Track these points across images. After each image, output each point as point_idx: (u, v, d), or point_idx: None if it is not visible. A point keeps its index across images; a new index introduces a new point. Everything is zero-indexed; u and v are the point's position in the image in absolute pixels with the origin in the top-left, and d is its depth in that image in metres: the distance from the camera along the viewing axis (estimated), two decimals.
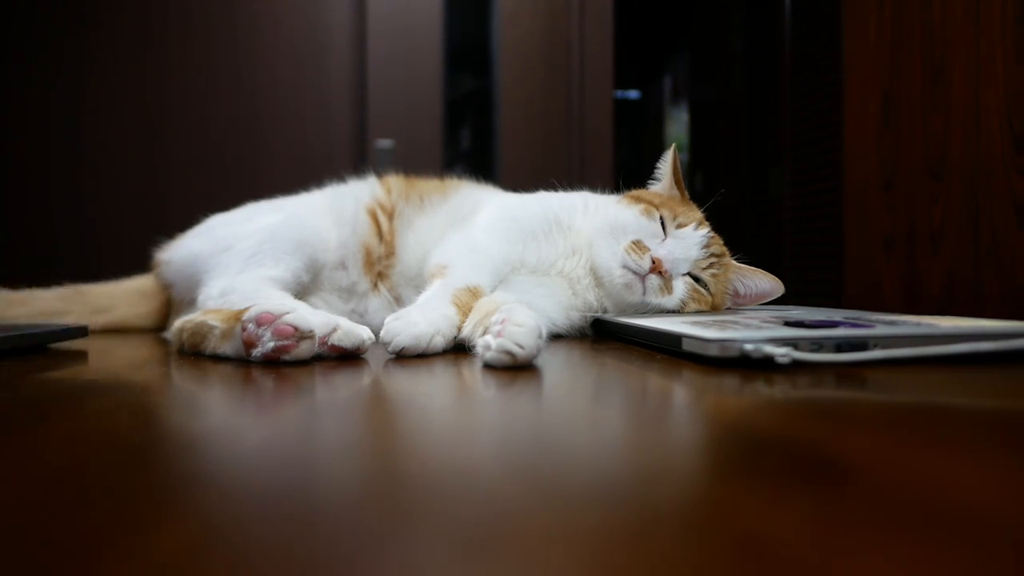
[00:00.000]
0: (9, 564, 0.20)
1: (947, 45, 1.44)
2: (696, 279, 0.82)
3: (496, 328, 0.58)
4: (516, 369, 0.56)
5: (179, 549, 0.21)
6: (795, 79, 2.08)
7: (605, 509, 0.24)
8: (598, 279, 0.84)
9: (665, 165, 0.93)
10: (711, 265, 0.83)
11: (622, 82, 3.01)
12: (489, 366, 0.57)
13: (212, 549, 0.21)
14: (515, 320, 0.58)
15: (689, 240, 0.82)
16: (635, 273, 0.79)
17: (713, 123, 2.70)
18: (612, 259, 0.81)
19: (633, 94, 3.49)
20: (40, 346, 0.75)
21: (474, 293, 0.74)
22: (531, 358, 0.57)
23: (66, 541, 0.21)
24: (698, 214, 0.87)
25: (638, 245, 0.80)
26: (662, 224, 0.82)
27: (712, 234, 0.85)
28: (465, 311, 0.71)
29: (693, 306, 0.81)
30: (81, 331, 0.80)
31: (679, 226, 0.83)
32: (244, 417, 0.44)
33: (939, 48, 1.46)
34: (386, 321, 0.66)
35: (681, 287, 0.80)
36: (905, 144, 1.56)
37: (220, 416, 0.44)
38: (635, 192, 0.92)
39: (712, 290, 0.83)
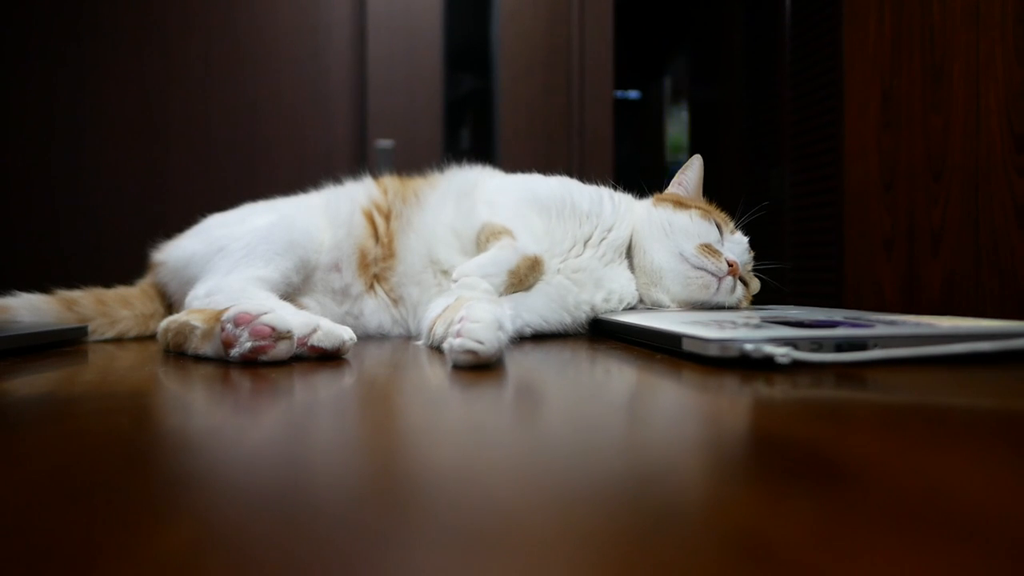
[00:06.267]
0: (7, 564, 0.20)
1: (947, 45, 1.44)
2: (742, 280, 0.87)
3: (455, 328, 0.56)
4: (483, 368, 0.55)
5: (178, 549, 0.21)
6: (795, 79, 2.08)
7: (605, 509, 0.24)
8: (656, 277, 0.86)
9: (692, 172, 0.97)
10: (753, 268, 0.90)
11: (622, 82, 3.01)
12: (459, 367, 0.56)
13: (211, 549, 0.21)
14: (472, 316, 0.57)
15: (743, 245, 0.89)
16: (712, 275, 0.83)
17: (713, 123, 2.70)
18: (675, 260, 0.84)
19: (633, 94, 3.49)
20: (40, 346, 0.75)
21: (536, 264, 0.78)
22: (494, 352, 0.55)
23: (64, 541, 0.21)
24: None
25: (709, 248, 0.84)
26: (718, 229, 0.87)
27: None
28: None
29: (744, 304, 0.87)
30: (81, 331, 0.80)
31: (732, 231, 0.89)
32: (242, 417, 0.44)
33: (939, 48, 1.46)
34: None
35: (740, 288, 0.86)
36: (905, 144, 1.56)
37: (218, 416, 0.44)
38: (670, 195, 0.95)
39: (751, 291, 0.90)
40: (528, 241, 0.79)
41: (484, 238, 0.80)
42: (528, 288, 0.80)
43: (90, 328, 0.83)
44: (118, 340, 0.86)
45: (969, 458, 0.31)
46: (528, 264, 0.77)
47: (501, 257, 0.76)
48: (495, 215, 0.82)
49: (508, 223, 0.81)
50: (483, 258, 0.76)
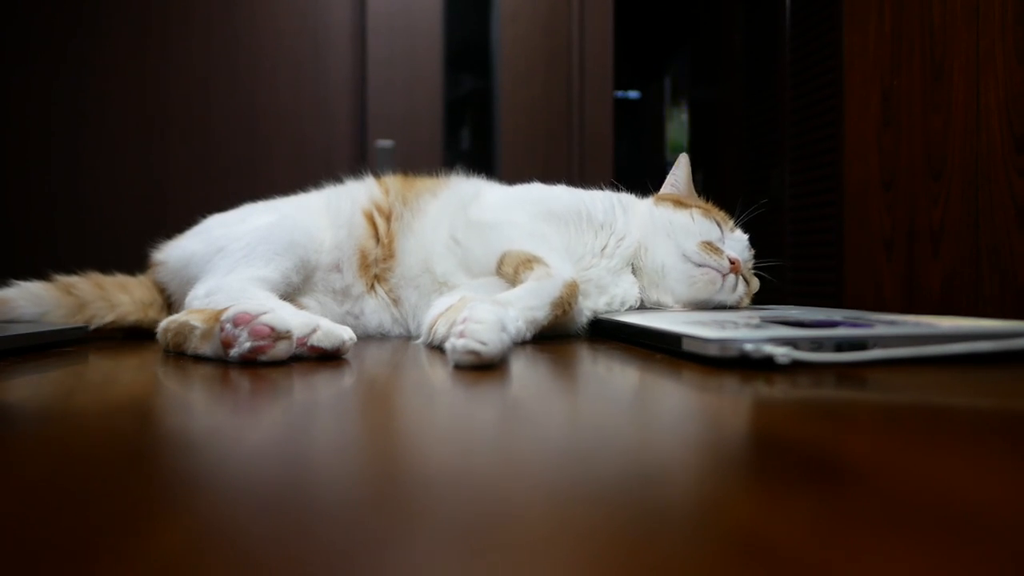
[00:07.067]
0: (6, 565, 0.20)
1: (947, 45, 1.44)
2: (743, 278, 0.87)
3: (458, 328, 0.56)
4: (484, 368, 0.55)
5: (178, 550, 0.21)
6: (795, 79, 2.08)
7: (605, 509, 0.24)
8: (659, 277, 0.86)
9: (680, 171, 0.97)
10: (753, 266, 0.90)
11: (622, 82, 3.01)
12: (460, 367, 0.56)
13: (211, 549, 0.21)
14: (475, 317, 0.56)
15: (743, 242, 0.89)
16: (715, 271, 0.83)
17: (713, 123, 2.70)
18: (679, 260, 0.84)
19: (633, 94, 3.49)
20: (40, 346, 0.75)
21: (573, 288, 0.75)
22: (497, 354, 0.55)
23: (63, 542, 0.21)
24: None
25: (710, 246, 0.84)
26: (718, 227, 0.87)
27: None
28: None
29: (745, 302, 0.88)
30: (81, 331, 0.80)
31: (731, 229, 0.90)
32: (242, 417, 0.43)
33: (939, 48, 1.46)
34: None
35: (741, 285, 0.86)
36: (905, 144, 1.56)
37: (218, 416, 0.44)
38: (669, 195, 0.95)
39: (751, 289, 0.90)
40: (559, 263, 0.76)
41: (511, 269, 0.76)
42: (568, 316, 0.77)
43: (89, 312, 0.84)
44: (117, 327, 0.86)
45: (969, 458, 0.31)
46: (570, 290, 0.74)
47: (543, 289, 0.72)
48: (512, 240, 0.79)
49: (532, 247, 0.77)
50: (522, 291, 0.72)
